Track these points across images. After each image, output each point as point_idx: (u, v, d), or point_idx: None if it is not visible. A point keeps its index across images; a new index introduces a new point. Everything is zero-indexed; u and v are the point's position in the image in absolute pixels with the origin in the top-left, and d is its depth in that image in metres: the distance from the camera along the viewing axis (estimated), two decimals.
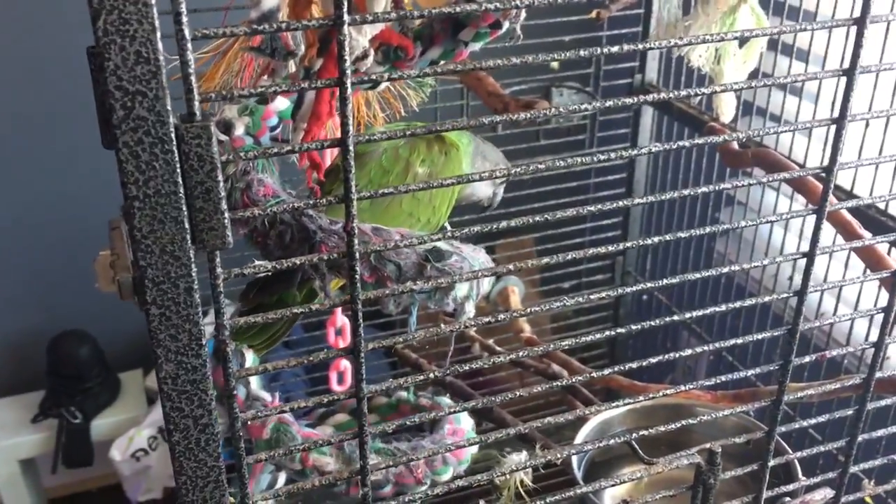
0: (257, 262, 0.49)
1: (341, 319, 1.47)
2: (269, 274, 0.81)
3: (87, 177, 2.13)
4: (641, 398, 0.72)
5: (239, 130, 0.70)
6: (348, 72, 0.45)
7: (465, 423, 1.05)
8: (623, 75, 1.80)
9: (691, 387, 0.69)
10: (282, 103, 0.75)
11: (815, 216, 0.61)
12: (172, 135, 0.42)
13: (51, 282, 2.33)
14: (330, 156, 1.15)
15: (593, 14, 0.98)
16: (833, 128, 0.58)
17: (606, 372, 0.70)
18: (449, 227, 0.98)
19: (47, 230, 2.29)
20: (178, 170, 0.43)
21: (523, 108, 1.05)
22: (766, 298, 0.68)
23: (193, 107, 0.43)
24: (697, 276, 0.66)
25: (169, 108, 0.42)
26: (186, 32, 0.41)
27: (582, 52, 0.51)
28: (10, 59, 2.13)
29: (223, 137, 0.69)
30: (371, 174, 0.89)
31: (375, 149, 0.90)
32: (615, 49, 0.52)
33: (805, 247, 0.62)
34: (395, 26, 0.77)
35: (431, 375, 0.60)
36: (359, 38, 0.65)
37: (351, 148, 0.47)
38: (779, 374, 0.69)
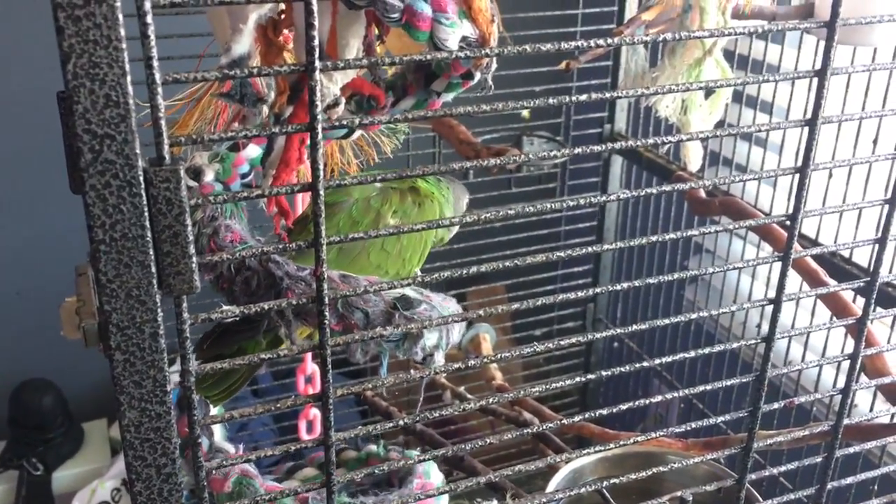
0: (225, 308, 0.49)
1: (311, 367, 1.46)
2: (224, 324, 0.80)
3: (53, 223, 2.11)
4: (612, 445, 0.71)
5: (208, 177, 0.69)
6: (319, 117, 0.45)
7: (435, 476, 1.03)
8: (592, 125, 1.82)
9: (662, 433, 0.69)
10: (253, 151, 0.75)
11: (780, 262, 0.62)
12: (141, 178, 0.42)
13: (14, 330, 2.29)
14: (302, 204, 1.15)
15: (563, 65, 1.00)
16: (797, 176, 0.59)
17: (577, 419, 0.70)
18: (419, 273, 0.98)
19: (11, 277, 2.25)
20: (146, 214, 0.43)
21: (494, 155, 1.07)
22: (735, 344, 0.69)
23: (163, 150, 0.42)
24: (667, 321, 0.66)
25: (138, 151, 0.42)
26: (157, 76, 0.41)
27: (552, 100, 0.52)
28: None
29: (192, 183, 0.68)
30: (340, 224, 0.88)
31: (346, 199, 0.89)
32: (584, 97, 0.53)
33: (773, 294, 0.63)
34: (367, 76, 0.78)
35: (401, 423, 0.59)
36: (330, 86, 0.66)
37: (321, 192, 0.47)
38: (748, 421, 0.69)
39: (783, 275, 0.62)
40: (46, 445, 2.16)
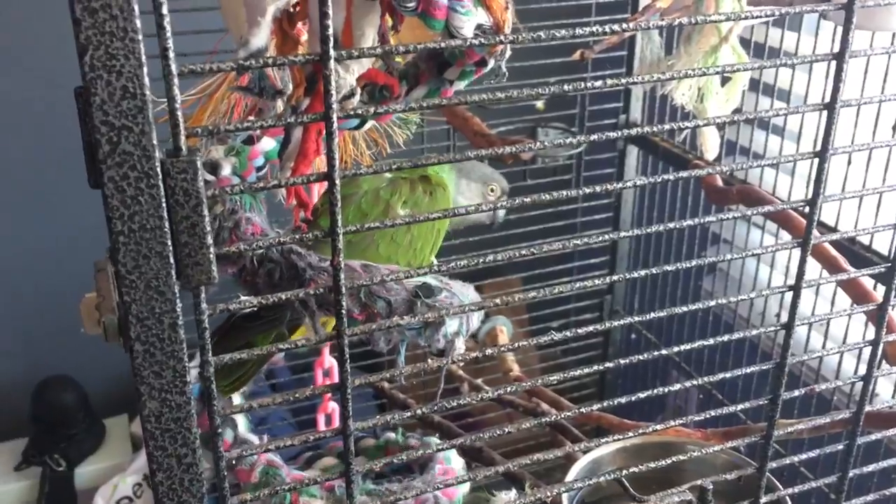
0: (243, 298, 0.49)
1: (329, 360, 1.46)
2: (235, 320, 0.80)
3: (72, 220, 2.13)
4: (631, 434, 0.71)
5: (226, 170, 0.70)
6: (334, 106, 0.45)
7: (456, 462, 1.04)
8: (608, 115, 1.82)
9: (681, 422, 0.68)
10: (267, 144, 0.75)
11: (800, 249, 0.62)
12: (158, 169, 0.42)
13: (35, 327, 2.31)
14: (317, 195, 1.15)
15: (577, 54, 0.99)
16: (816, 162, 0.59)
17: (595, 407, 0.70)
18: (436, 262, 0.98)
19: (31, 274, 2.27)
20: (164, 204, 0.43)
21: (508, 146, 1.06)
22: (754, 331, 0.68)
23: (180, 141, 0.43)
24: (684, 309, 0.66)
25: (155, 142, 0.42)
26: (173, 68, 0.41)
27: (566, 87, 0.52)
28: None
29: (210, 178, 0.69)
30: (349, 217, 0.88)
31: (356, 191, 0.89)
32: (598, 84, 0.53)
33: (791, 282, 0.63)
34: (380, 66, 0.77)
35: (418, 412, 0.59)
36: (346, 77, 0.66)
37: (338, 182, 0.47)
38: (768, 409, 0.68)
39: (802, 261, 0.62)
40: (69, 442, 2.18)
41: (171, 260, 0.44)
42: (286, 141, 0.70)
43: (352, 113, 0.49)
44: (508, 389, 0.64)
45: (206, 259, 0.45)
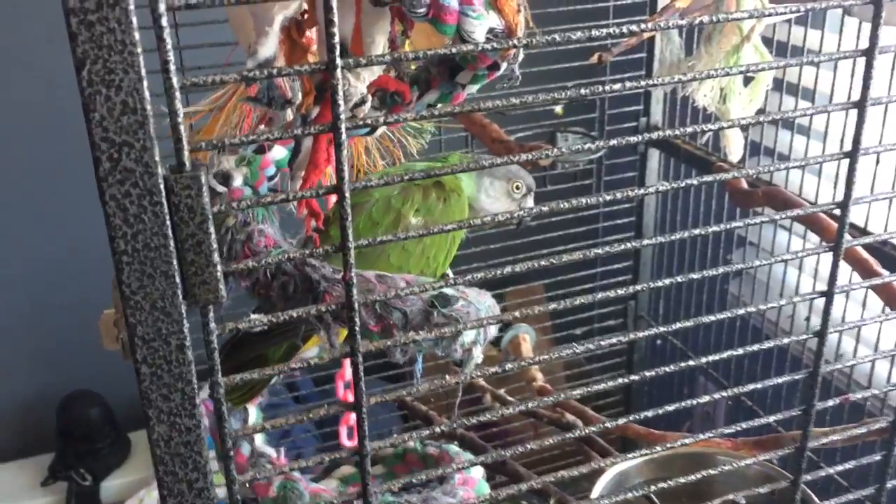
0: (253, 316, 0.48)
1: (351, 372, 1.44)
2: (245, 334, 0.78)
3: (94, 234, 2.13)
4: (659, 448, 0.69)
5: (237, 181, 0.68)
6: (342, 116, 0.44)
7: (476, 472, 1.01)
8: (628, 118, 1.79)
9: (710, 435, 0.66)
10: (279, 152, 0.74)
11: (831, 253, 0.59)
12: (161, 186, 0.41)
13: (58, 341, 2.32)
14: (329, 204, 1.13)
15: (595, 58, 0.97)
16: (845, 163, 0.56)
17: (621, 421, 0.68)
18: (451, 274, 0.96)
19: (55, 289, 2.28)
20: (168, 222, 0.42)
21: (526, 152, 1.04)
22: (786, 340, 0.66)
23: (183, 157, 0.41)
24: (711, 318, 0.63)
25: (157, 158, 0.40)
26: (174, 81, 0.40)
27: (584, 91, 0.50)
28: (12, 117, 2.14)
29: (221, 189, 0.67)
30: (359, 227, 0.86)
31: (367, 200, 0.87)
32: (617, 87, 0.51)
33: (821, 287, 0.60)
34: (390, 72, 0.76)
35: (438, 430, 0.57)
36: (357, 85, 0.64)
37: (347, 194, 0.45)
38: (801, 420, 0.66)
39: (834, 266, 0.59)
40: (94, 456, 2.18)
41: (177, 279, 0.43)
42: (296, 150, 0.69)
43: (361, 122, 0.47)
44: (531, 404, 0.62)
45: (214, 277, 0.43)
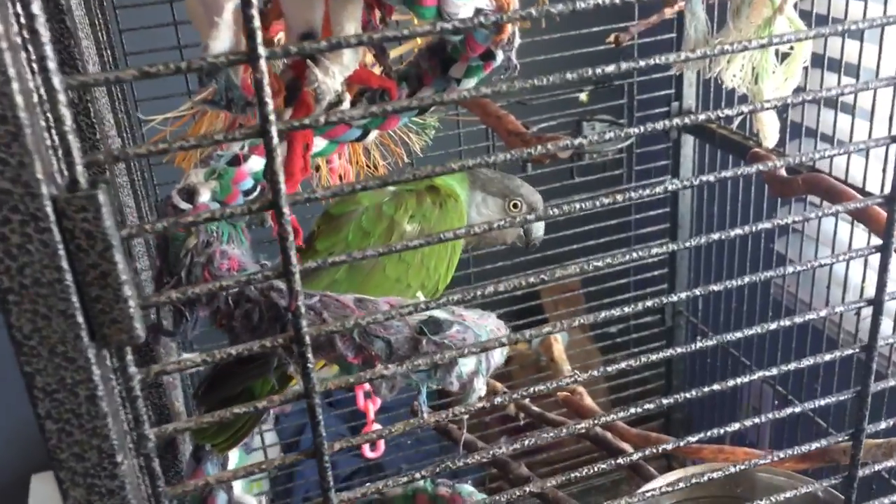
0: (185, 356, 0.40)
1: None
2: (225, 365, 0.71)
3: None
4: (697, 471, 0.60)
5: (204, 197, 0.62)
6: (271, 118, 0.36)
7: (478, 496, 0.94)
8: (659, 104, 1.69)
9: (759, 462, 0.57)
10: (256, 163, 0.67)
11: (879, 255, 0.50)
12: (49, 209, 0.34)
13: None
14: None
15: (611, 38, 0.89)
16: (893, 148, 0.47)
17: (670, 446, 0.59)
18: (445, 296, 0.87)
19: None
20: (62, 252, 0.35)
21: (542, 144, 0.96)
22: (833, 354, 0.57)
23: (76, 173, 0.34)
24: (758, 330, 0.55)
25: (39, 176, 0.33)
26: (55, 82, 0.33)
27: (609, 68, 0.42)
28: None
29: (185, 206, 0.61)
30: (349, 238, 0.78)
31: (356, 208, 0.79)
32: (642, 64, 0.43)
33: (871, 277, 0.51)
34: (387, 70, 0.68)
35: (450, 465, 0.50)
36: (326, 81, 0.57)
37: (286, 210, 0.38)
38: (852, 445, 0.57)
39: (883, 269, 0.51)
40: None
41: (80, 319, 0.36)
42: (269, 159, 0.62)
43: (338, 120, 0.40)
44: (565, 431, 0.54)
45: (126, 315, 0.36)
